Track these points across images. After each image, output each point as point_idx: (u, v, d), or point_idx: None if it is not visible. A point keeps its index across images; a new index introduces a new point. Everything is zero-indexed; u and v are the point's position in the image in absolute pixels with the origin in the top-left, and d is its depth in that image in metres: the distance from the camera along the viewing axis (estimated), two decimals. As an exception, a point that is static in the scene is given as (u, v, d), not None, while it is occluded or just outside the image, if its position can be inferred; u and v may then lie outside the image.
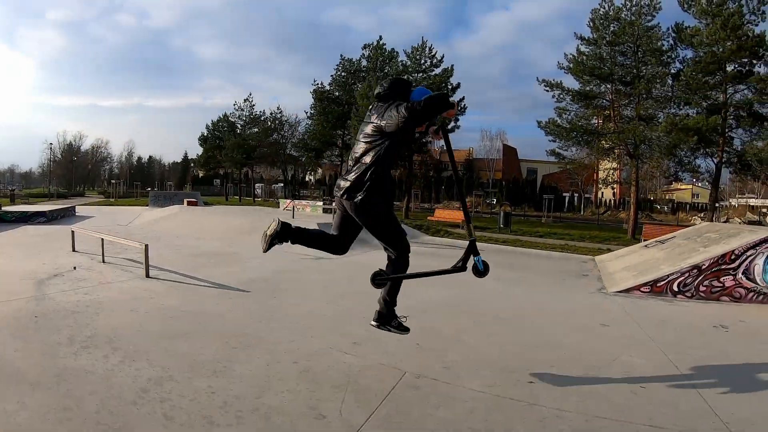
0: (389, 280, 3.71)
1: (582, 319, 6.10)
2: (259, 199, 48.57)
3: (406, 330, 3.81)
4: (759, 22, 19.70)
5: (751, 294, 7.61)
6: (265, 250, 3.67)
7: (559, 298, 7.51)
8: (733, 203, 53.51)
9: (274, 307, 5.83)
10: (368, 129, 3.50)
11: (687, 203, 59.14)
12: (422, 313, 5.43)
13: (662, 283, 8.00)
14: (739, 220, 31.51)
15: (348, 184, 3.48)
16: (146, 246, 7.40)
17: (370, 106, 3.66)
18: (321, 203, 19.73)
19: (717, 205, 25.62)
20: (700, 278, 7.82)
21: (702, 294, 7.78)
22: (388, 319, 3.77)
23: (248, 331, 4.75)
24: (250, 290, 6.60)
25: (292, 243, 3.70)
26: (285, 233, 3.61)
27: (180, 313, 5.24)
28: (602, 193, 55.58)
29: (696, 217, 39.40)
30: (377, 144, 3.43)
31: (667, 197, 57.82)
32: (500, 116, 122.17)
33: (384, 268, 3.76)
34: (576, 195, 55.52)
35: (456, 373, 3.92)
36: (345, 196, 3.49)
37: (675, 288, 7.92)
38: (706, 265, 7.82)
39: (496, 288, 7.48)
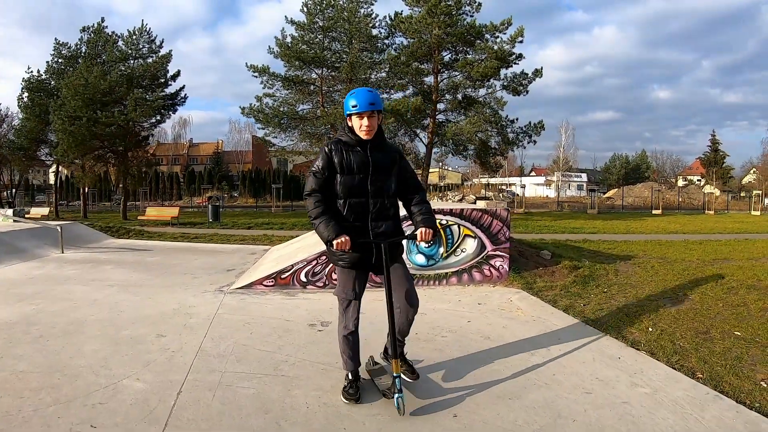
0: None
1: (145, 330, 4.61)
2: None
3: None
4: (474, 13, 20.91)
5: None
6: None
7: (156, 303, 5.73)
8: (476, 182, 60.48)
9: None
10: None
11: (431, 185, 64.77)
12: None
13: (287, 274, 6.42)
14: (474, 197, 35.04)
15: None
16: None
17: None
18: (11, 211, 16.58)
19: (442, 184, 27.38)
20: (332, 265, 6.37)
21: (335, 282, 6.35)
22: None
23: None
24: None
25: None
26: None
27: None
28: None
29: (435, 197, 42.43)
30: None
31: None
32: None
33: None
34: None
35: None
36: None
37: (303, 278, 6.41)
38: (340, 249, 6.40)
39: (96, 297, 5.96)
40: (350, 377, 3.16)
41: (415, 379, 3.20)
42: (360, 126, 2.97)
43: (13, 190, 39.41)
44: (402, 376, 3.09)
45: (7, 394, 3.13)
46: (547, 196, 55.71)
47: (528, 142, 21.98)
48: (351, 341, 3.12)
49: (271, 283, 6.41)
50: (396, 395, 2.86)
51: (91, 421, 2.79)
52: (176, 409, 2.95)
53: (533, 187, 62.32)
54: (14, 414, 2.88)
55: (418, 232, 2.99)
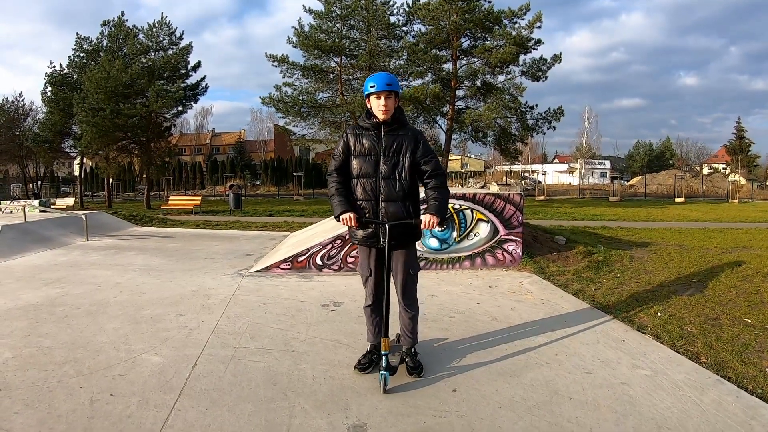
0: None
1: (164, 309, 4.81)
2: (6, 202, 39.49)
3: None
4: (492, -1, 20.55)
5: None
6: None
7: (176, 285, 5.94)
8: (498, 169, 59.95)
9: None
10: None
11: (454, 172, 64.43)
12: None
13: (303, 258, 6.55)
14: (496, 184, 34.75)
15: None
16: None
17: None
18: (37, 202, 16.98)
19: (464, 171, 27.24)
20: (346, 248, 6.50)
21: (351, 266, 6.49)
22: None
23: None
24: None
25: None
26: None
27: None
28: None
29: (457, 185, 42.19)
30: None
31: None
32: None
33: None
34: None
35: None
36: None
37: (319, 261, 6.53)
38: (352, 232, 6.49)
39: (118, 280, 6.18)
40: (367, 349, 3.34)
41: (415, 377, 3.15)
42: (377, 106, 3.08)
43: (39, 182, 40.24)
44: (406, 364, 3.23)
45: (33, 367, 3.32)
46: (570, 183, 54.89)
47: (548, 129, 21.77)
48: (369, 314, 3.28)
49: (288, 267, 6.54)
50: (381, 372, 2.97)
51: (111, 390, 2.96)
52: (191, 380, 3.11)
53: (556, 175, 61.48)
54: (40, 385, 3.04)
55: (422, 220, 3.06)
